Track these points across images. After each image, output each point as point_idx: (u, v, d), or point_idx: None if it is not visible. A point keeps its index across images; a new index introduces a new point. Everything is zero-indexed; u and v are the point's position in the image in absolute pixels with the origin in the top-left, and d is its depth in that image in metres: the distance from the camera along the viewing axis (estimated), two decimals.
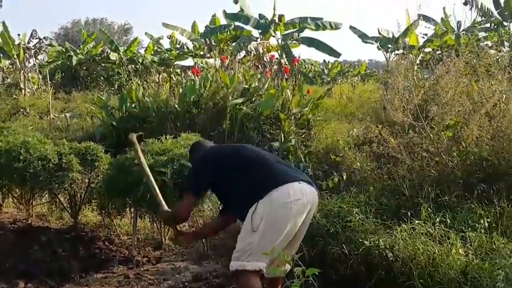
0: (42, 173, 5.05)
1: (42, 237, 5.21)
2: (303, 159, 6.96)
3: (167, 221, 3.65)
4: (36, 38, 17.50)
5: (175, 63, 21.37)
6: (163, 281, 4.32)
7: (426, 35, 16.77)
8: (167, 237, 5.27)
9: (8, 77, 16.71)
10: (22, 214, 6.17)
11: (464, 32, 16.56)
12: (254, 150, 3.54)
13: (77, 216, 5.67)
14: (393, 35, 17.98)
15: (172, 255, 5.01)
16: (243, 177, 3.16)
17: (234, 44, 16.62)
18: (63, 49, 21.24)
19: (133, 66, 19.84)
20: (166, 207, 3.48)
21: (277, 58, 14.68)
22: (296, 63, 12.08)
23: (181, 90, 8.94)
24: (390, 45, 18.12)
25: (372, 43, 18.68)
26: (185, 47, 21.86)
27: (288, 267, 3.16)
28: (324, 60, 31.06)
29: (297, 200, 3.00)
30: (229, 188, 3.23)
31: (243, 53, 15.77)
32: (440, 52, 15.52)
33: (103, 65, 20.46)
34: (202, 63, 17.20)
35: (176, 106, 8.47)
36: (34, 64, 17.39)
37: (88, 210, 5.87)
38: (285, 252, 3.02)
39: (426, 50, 17.28)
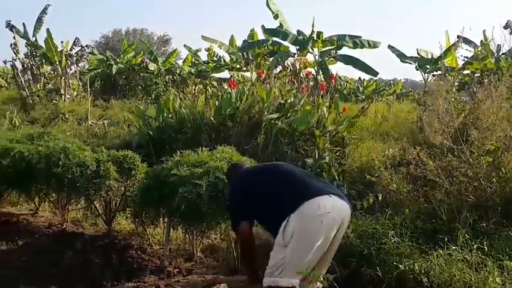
0: (80, 179, 5.16)
1: (76, 243, 5.28)
2: (336, 177, 6.90)
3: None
4: (78, 46, 17.91)
5: (212, 75, 21.57)
6: None
7: (466, 57, 16.51)
8: (199, 250, 5.29)
9: (49, 83, 17.10)
10: (57, 219, 6.29)
11: (504, 55, 16.22)
12: (284, 166, 3.59)
13: (111, 223, 5.76)
14: (432, 55, 17.75)
15: (203, 267, 5.01)
16: (274, 195, 3.17)
17: (271, 58, 16.69)
18: (104, 57, 21.72)
19: (170, 76, 20.12)
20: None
21: (313, 74, 14.66)
22: (333, 81, 12.03)
23: (216, 102, 9.01)
24: (428, 66, 17.89)
25: (411, 63, 18.47)
26: (222, 59, 22.07)
27: (319, 285, 3.12)
28: (359, 78, 30.91)
29: (328, 213, 2.99)
30: (263, 206, 3.24)
31: (279, 68, 15.81)
32: (479, 75, 15.27)
33: (141, 74, 20.79)
34: (238, 76, 17.31)
35: (212, 118, 8.53)
36: (75, 71, 17.77)
37: (122, 218, 5.94)
38: (316, 268, 2.99)
39: (465, 72, 17.01)
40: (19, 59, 17.17)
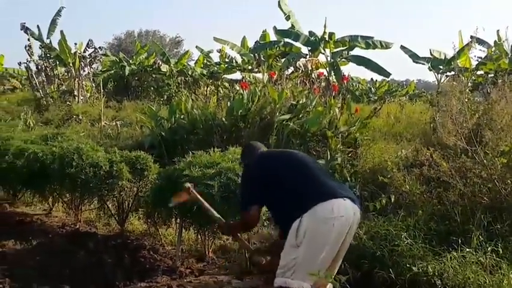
0: (93, 179, 5.21)
1: (89, 242, 5.31)
2: (348, 179, 6.88)
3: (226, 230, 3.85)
4: (92, 48, 18.04)
5: (223, 76, 21.60)
6: None
7: (480, 57, 16.37)
8: (210, 250, 5.30)
9: (63, 84, 17.25)
10: (71, 219, 6.34)
11: None
12: (300, 156, 3.56)
13: (123, 223, 5.79)
14: (445, 56, 17.63)
15: (215, 268, 5.01)
16: (290, 189, 3.15)
17: (282, 60, 16.68)
18: (117, 59, 21.87)
19: (182, 78, 20.18)
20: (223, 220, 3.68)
21: (325, 75, 14.62)
22: (345, 81, 11.99)
23: (228, 103, 9.02)
24: (441, 66, 17.77)
25: (424, 63, 18.35)
26: (234, 61, 22.11)
27: (330, 286, 3.11)
28: (371, 79, 30.79)
29: (340, 217, 2.98)
30: (275, 194, 3.22)
31: (291, 69, 15.80)
32: (493, 76, 15.13)
33: (153, 75, 20.90)
34: (249, 77, 17.33)
35: (224, 119, 8.54)
36: (88, 72, 17.89)
37: (134, 218, 5.97)
38: (327, 271, 2.99)
39: (479, 72, 16.87)
40: (33, 60, 17.34)
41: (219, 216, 3.74)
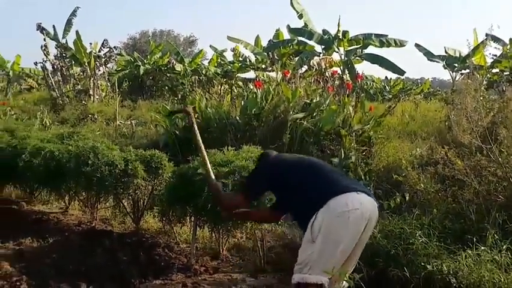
0: (109, 178, 5.25)
1: (105, 240, 5.37)
2: (362, 177, 6.87)
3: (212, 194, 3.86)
4: (107, 47, 18.20)
5: (237, 75, 21.65)
6: None
7: (495, 55, 16.22)
8: (225, 248, 5.32)
9: (78, 84, 17.43)
10: (86, 217, 6.40)
11: None
12: (315, 161, 3.60)
13: (139, 221, 5.84)
14: (460, 54, 17.50)
15: (229, 266, 5.03)
16: (304, 186, 3.17)
17: (296, 58, 16.67)
18: (131, 59, 22.04)
19: (196, 77, 20.26)
20: (214, 179, 3.76)
21: (339, 74, 14.59)
22: (359, 80, 11.96)
23: (242, 102, 9.05)
24: (456, 64, 17.64)
25: (438, 61, 18.24)
26: (247, 60, 22.15)
27: (345, 284, 3.11)
28: (386, 77, 30.62)
29: (355, 210, 2.97)
30: (290, 196, 3.26)
31: (305, 68, 15.79)
32: (508, 73, 14.98)
33: (168, 75, 21.02)
34: (263, 76, 17.35)
35: (238, 118, 8.57)
36: (103, 72, 18.05)
37: (149, 217, 6.01)
38: (343, 267, 2.99)
39: (494, 70, 16.72)
40: (49, 60, 17.54)
41: (208, 166, 3.82)
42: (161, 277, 4.64)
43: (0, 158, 6.19)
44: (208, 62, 23.49)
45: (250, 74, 21.48)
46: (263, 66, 20.24)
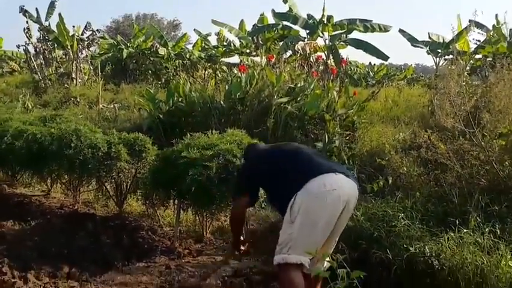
0: (92, 160, 5.21)
1: (87, 223, 5.33)
2: (346, 161, 6.89)
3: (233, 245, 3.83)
4: (89, 30, 17.93)
5: (221, 60, 21.52)
6: (203, 274, 4.34)
7: (479, 41, 16.34)
8: (208, 231, 5.32)
9: (61, 67, 17.18)
10: (69, 200, 6.34)
11: None
12: (293, 145, 3.68)
13: (122, 205, 5.81)
14: (443, 39, 17.58)
15: (213, 249, 5.04)
16: (282, 173, 3.19)
17: (281, 43, 16.61)
18: (114, 42, 21.73)
19: (180, 61, 20.08)
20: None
21: (323, 59, 14.56)
22: (343, 65, 11.96)
23: (226, 86, 9.00)
24: (440, 50, 17.72)
25: (422, 47, 18.31)
26: (232, 44, 22.01)
27: (327, 264, 3.12)
28: (370, 63, 30.67)
29: (333, 191, 2.98)
30: (272, 183, 3.27)
31: (289, 53, 15.74)
32: (491, 59, 15.11)
33: (151, 59, 20.78)
34: (248, 61, 17.26)
35: (222, 102, 8.52)
36: (86, 55, 17.78)
37: (132, 200, 5.99)
38: (323, 248, 3.00)
39: (477, 56, 16.86)
40: (32, 43, 17.24)
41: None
42: (144, 260, 4.64)
43: None
44: (192, 46, 23.27)
45: (235, 59, 21.39)
46: (247, 50, 20.13)
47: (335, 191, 2.98)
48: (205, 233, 5.29)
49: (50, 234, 5.04)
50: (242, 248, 3.77)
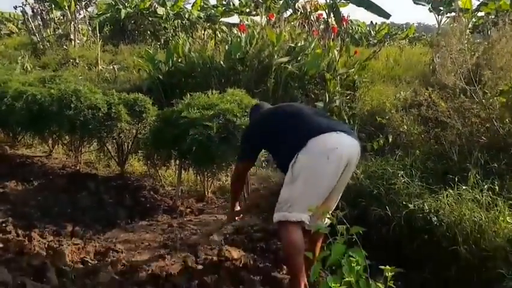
0: (92, 121, 5.21)
1: (90, 183, 5.38)
2: (346, 120, 6.90)
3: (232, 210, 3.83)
4: None
5: (221, 20, 21.21)
6: (205, 231, 4.39)
7: None
8: (209, 191, 5.37)
9: (59, 28, 16.95)
10: (71, 161, 6.37)
11: None
12: (294, 106, 3.64)
13: (123, 165, 5.85)
14: None
15: (214, 207, 5.10)
16: (284, 133, 3.18)
17: (281, 1, 16.33)
18: (112, 2, 21.35)
19: (179, 21, 19.80)
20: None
21: (324, 17, 14.34)
22: (344, 24, 11.80)
23: (226, 47, 8.92)
24: (442, 8, 17.46)
25: (424, 5, 18.02)
26: (231, 3, 21.65)
27: (327, 221, 3.15)
28: (371, 22, 30.22)
29: (334, 149, 2.97)
30: (274, 144, 3.27)
31: (289, 11, 15.51)
32: (494, 17, 14.88)
33: (150, 19, 20.47)
34: (247, 20, 17.02)
35: (222, 62, 8.46)
36: (84, 16, 17.51)
37: (134, 160, 6.02)
38: (324, 205, 3.03)
39: (480, 14, 16.61)
40: (29, 4, 16.94)
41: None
42: (147, 218, 4.71)
43: None
44: (191, 6, 22.88)
45: (234, 19, 21.05)
46: (247, 10, 19.83)
47: (337, 150, 2.97)
48: (206, 192, 5.34)
49: (53, 194, 5.10)
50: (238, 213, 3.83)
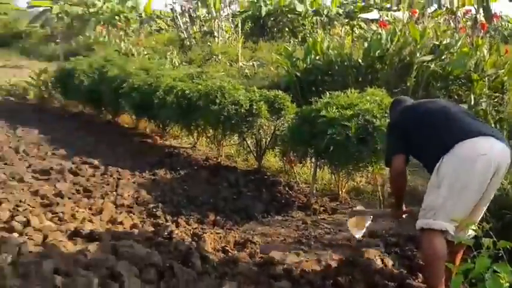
0: (235, 116, 5.51)
1: (230, 176, 5.68)
2: (493, 125, 6.47)
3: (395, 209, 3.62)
4: None
5: (359, 15, 20.90)
6: (338, 232, 4.44)
7: None
8: (344, 191, 5.38)
9: (204, 25, 17.92)
10: (213, 153, 6.77)
11: None
12: (439, 103, 3.43)
13: (261, 160, 6.07)
14: None
15: (348, 208, 5.08)
16: (429, 132, 3.06)
17: None
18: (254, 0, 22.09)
19: (317, 18, 19.87)
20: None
21: (472, 13, 13.51)
22: (495, 20, 11.03)
23: (365, 44, 8.80)
24: None
25: None
26: None
27: (471, 232, 3.01)
28: None
29: (483, 156, 2.80)
30: (419, 140, 3.15)
31: (434, 7, 14.80)
32: None
33: (289, 16, 20.83)
34: (387, 16, 16.57)
35: (360, 60, 8.38)
36: (228, 14, 18.33)
37: (270, 156, 6.22)
38: (469, 217, 2.89)
39: None
40: (178, 2, 18.19)
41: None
42: (282, 214, 4.86)
43: (139, 93, 6.71)
44: (331, 2, 22.84)
45: (373, 14, 20.61)
46: (388, 5, 19.27)
47: (486, 156, 2.81)
48: (340, 192, 5.35)
49: (197, 183, 5.47)
50: (404, 213, 3.57)
